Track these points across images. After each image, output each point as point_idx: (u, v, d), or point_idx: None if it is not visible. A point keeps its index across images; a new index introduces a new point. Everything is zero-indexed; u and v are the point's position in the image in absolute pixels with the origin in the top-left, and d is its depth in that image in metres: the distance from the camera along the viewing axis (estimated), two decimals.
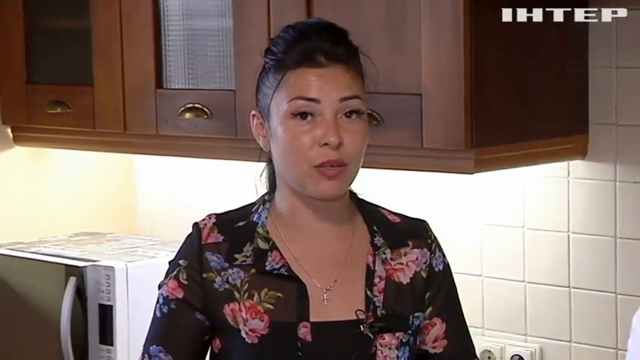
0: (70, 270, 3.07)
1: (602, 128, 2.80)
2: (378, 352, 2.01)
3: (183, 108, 3.03)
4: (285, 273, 2.02)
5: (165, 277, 2.09)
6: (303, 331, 2.01)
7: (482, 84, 2.60)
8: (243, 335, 2.02)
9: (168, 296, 2.07)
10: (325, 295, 2.03)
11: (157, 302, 2.10)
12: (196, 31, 3.12)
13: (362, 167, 2.68)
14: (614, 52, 2.78)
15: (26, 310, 3.23)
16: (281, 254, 2.05)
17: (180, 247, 2.12)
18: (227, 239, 2.07)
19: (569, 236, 2.88)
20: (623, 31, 2.77)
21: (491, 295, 3.02)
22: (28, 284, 3.20)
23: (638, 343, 1.82)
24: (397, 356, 2.02)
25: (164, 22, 3.13)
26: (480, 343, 3.00)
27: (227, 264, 2.05)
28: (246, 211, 2.10)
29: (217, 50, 3.06)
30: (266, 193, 2.10)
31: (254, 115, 2.04)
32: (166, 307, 2.07)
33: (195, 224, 2.11)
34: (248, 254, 2.05)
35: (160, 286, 2.09)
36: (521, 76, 2.70)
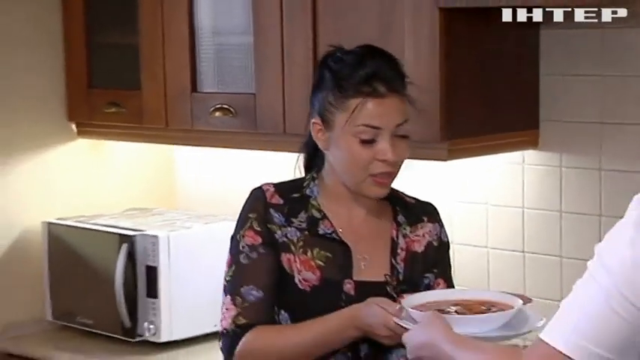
0: (123, 238, 3.11)
1: (551, 124, 2.81)
2: None
3: (213, 108, 3.03)
4: (336, 237, 2.07)
5: (239, 229, 2.10)
6: (348, 287, 2.05)
7: (454, 89, 2.61)
8: (297, 282, 2.06)
9: (253, 244, 2.08)
10: (362, 263, 2.08)
11: (240, 252, 2.09)
12: (224, 45, 3.11)
13: None
14: (561, 62, 2.77)
15: (88, 271, 3.25)
16: (331, 223, 2.09)
17: (245, 206, 2.12)
18: (286, 204, 2.10)
19: (523, 211, 2.89)
20: (568, 45, 2.76)
21: (460, 258, 2.97)
22: (90, 250, 3.23)
23: (601, 275, 1.69)
24: None
25: (198, 39, 3.13)
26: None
27: (286, 223, 2.09)
28: (297, 184, 2.12)
29: (241, 61, 3.05)
30: (314, 172, 2.13)
31: (315, 123, 2.05)
32: (255, 253, 2.08)
33: (259, 188, 2.12)
34: (302, 220, 2.10)
35: (234, 239, 2.10)
36: (485, 82, 2.70)
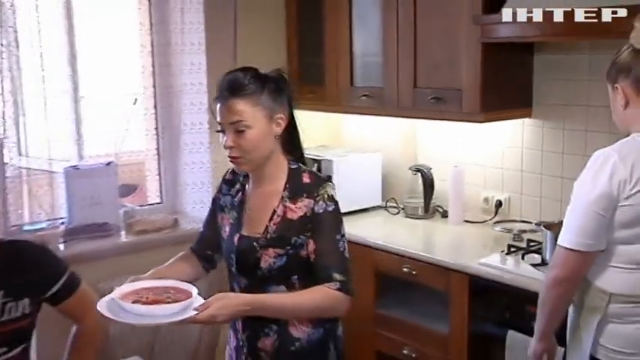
0: (315, 161, 3.15)
1: (538, 105, 2.81)
2: (262, 258, 1.73)
3: (361, 95, 3.06)
4: (241, 204, 1.81)
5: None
6: (236, 238, 1.78)
7: (488, 85, 2.63)
8: (222, 233, 1.84)
9: (211, 203, 1.92)
10: (250, 223, 1.77)
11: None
12: (366, 62, 3.09)
13: (440, 119, 2.81)
14: (545, 73, 2.76)
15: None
16: (244, 194, 1.82)
17: None
18: (232, 179, 1.86)
19: (522, 150, 2.91)
20: (550, 63, 2.74)
21: (488, 174, 3.05)
22: None
23: (581, 201, 1.67)
24: (274, 262, 1.72)
25: (354, 58, 3.11)
26: (483, 194, 3.05)
27: (228, 192, 1.86)
28: None
29: (375, 70, 3.03)
30: None
31: None
32: (210, 207, 1.92)
33: (228, 169, 1.87)
34: (235, 191, 1.84)
35: None
36: (504, 82, 2.69)
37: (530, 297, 2.04)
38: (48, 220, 2.89)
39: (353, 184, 3.17)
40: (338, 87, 3.21)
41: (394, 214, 3.19)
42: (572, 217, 1.69)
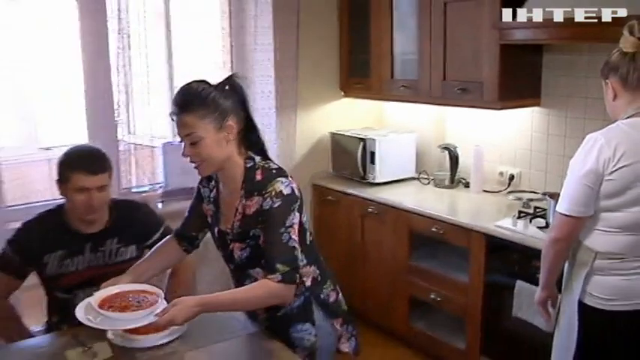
0: (362, 139, 3.20)
1: (546, 96, 2.81)
2: (234, 250, 1.67)
3: (400, 85, 3.11)
4: (216, 200, 1.72)
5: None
6: (216, 231, 1.72)
7: (504, 80, 2.64)
8: (207, 220, 1.77)
9: (195, 193, 1.81)
10: (223, 218, 1.70)
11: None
12: (405, 59, 3.12)
13: (465, 107, 2.83)
14: (552, 69, 2.75)
15: (348, 152, 3.27)
16: (217, 190, 1.72)
17: None
18: (211, 177, 1.75)
19: (532, 134, 2.92)
20: (555, 61, 2.74)
21: (503, 151, 3.04)
22: (348, 144, 3.27)
23: (573, 176, 1.69)
24: (241, 253, 1.66)
25: (394, 56, 3.14)
26: (499, 168, 3.05)
27: (207, 185, 1.76)
28: None
29: (412, 66, 3.05)
30: None
31: None
32: (193, 195, 1.82)
33: None
34: (212, 185, 1.74)
35: None
36: (518, 77, 2.71)
37: (536, 254, 2.08)
38: (149, 185, 3.11)
39: (392, 158, 3.27)
40: (381, 79, 3.27)
41: (425, 184, 3.27)
42: (567, 189, 1.73)
